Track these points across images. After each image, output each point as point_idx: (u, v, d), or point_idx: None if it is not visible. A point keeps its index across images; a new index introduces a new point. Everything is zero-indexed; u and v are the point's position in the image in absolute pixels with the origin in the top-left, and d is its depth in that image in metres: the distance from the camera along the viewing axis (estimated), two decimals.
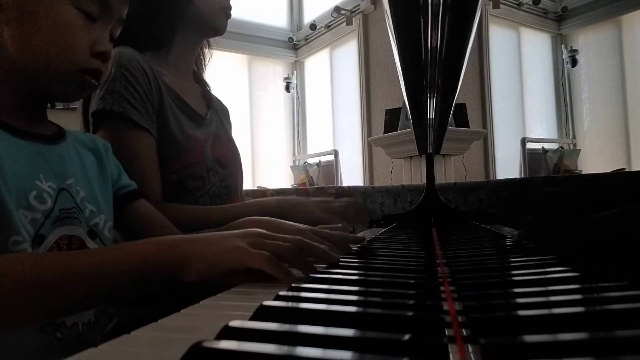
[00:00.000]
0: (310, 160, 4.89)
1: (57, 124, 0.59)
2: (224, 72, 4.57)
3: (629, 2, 3.93)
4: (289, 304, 0.30)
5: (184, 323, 0.28)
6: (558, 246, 0.45)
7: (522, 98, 4.42)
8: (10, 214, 0.45)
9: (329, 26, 4.77)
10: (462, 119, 2.89)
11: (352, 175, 4.42)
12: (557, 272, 0.37)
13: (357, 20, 4.34)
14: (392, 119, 3.11)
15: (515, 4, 4.28)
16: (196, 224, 0.73)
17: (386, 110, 3.27)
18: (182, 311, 0.31)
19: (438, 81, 0.83)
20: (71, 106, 3.55)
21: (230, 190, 0.89)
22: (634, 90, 4.05)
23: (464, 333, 0.24)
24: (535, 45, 4.60)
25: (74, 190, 0.54)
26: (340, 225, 0.61)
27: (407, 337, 0.21)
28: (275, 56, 5.25)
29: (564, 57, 4.53)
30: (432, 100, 0.90)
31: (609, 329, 0.21)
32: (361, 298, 0.33)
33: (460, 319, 0.26)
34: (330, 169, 4.51)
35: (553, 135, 4.61)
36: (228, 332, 0.23)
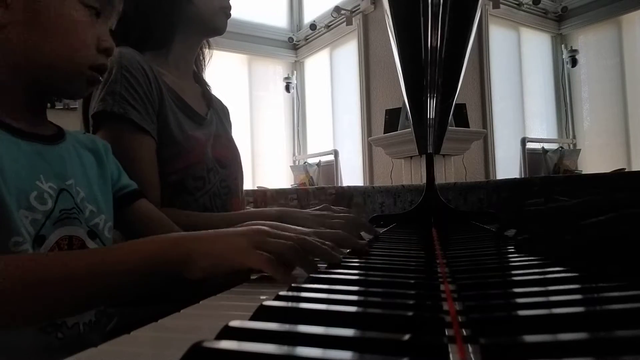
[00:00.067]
0: (310, 160, 4.89)
1: (56, 124, 0.59)
2: (224, 72, 4.57)
3: (629, 2, 3.93)
4: (289, 304, 0.30)
5: (184, 323, 0.28)
6: (557, 247, 0.45)
7: (522, 98, 4.42)
8: (11, 215, 0.45)
9: (329, 26, 4.77)
10: (462, 119, 2.89)
11: (352, 175, 4.42)
12: (557, 272, 0.37)
13: (357, 20, 4.34)
14: (392, 119, 3.11)
15: (515, 4, 4.29)
16: (197, 229, 0.73)
17: (386, 110, 3.27)
18: (182, 311, 0.31)
19: (438, 81, 0.83)
20: (71, 106, 3.55)
21: (231, 190, 0.89)
22: (634, 90, 4.05)
23: (464, 333, 0.24)
24: (535, 45, 4.60)
25: (74, 191, 0.54)
26: (340, 231, 0.60)
27: (407, 337, 0.21)
28: (275, 56, 5.25)
29: (564, 57, 4.53)
30: (432, 100, 0.90)
31: (609, 329, 0.21)
32: (361, 298, 0.33)
33: (460, 319, 0.26)
34: (330, 169, 4.51)
35: (553, 135, 4.62)
36: (228, 332, 0.23)
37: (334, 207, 0.88)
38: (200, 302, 0.33)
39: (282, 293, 0.33)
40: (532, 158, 3.97)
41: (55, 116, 0.58)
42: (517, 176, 3.84)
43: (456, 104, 1.14)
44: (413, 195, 1.65)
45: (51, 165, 0.53)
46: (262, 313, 0.27)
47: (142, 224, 0.66)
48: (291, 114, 5.38)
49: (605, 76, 4.29)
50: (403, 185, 1.75)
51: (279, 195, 1.75)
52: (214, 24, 0.88)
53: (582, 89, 4.51)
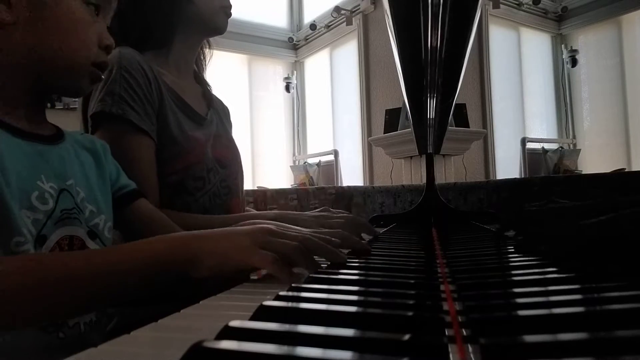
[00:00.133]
0: (310, 160, 4.89)
1: (55, 124, 0.59)
2: (224, 72, 4.57)
3: (629, 2, 3.93)
4: (289, 304, 0.30)
5: (184, 323, 0.28)
6: (558, 247, 0.45)
7: (522, 98, 4.42)
8: (13, 215, 0.45)
9: (329, 26, 4.77)
10: (462, 119, 2.89)
11: (352, 175, 4.42)
12: (557, 272, 0.37)
13: (357, 20, 4.34)
14: (392, 119, 3.11)
15: (515, 4, 4.29)
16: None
17: (386, 110, 3.27)
18: (182, 311, 0.31)
19: (438, 81, 0.83)
20: (71, 106, 3.55)
21: (231, 190, 0.89)
22: (634, 90, 4.06)
23: (464, 333, 0.24)
24: (535, 45, 4.61)
25: (74, 191, 0.54)
26: (340, 230, 0.61)
27: (407, 337, 0.21)
28: (275, 56, 5.25)
29: (564, 57, 4.53)
30: (432, 100, 0.90)
31: (609, 329, 0.21)
32: (361, 298, 0.33)
33: (460, 319, 0.26)
34: (330, 169, 4.51)
35: (553, 135, 4.62)
36: (228, 332, 0.23)
37: (333, 210, 0.88)
38: (200, 302, 0.33)
39: (282, 293, 0.33)
40: (532, 158, 3.97)
41: (55, 116, 0.59)
42: (517, 176, 3.84)
43: (456, 104, 1.14)
44: (413, 195, 1.65)
45: (51, 165, 0.53)
46: (262, 313, 0.27)
47: (141, 224, 0.66)
48: (291, 114, 5.38)
49: (605, 76, 4.29)
50: (403, 185, 1.75)
51: (279, 195, 1.75)
52: (214, 23, 0.88)
53: (582, 89, 4.52)
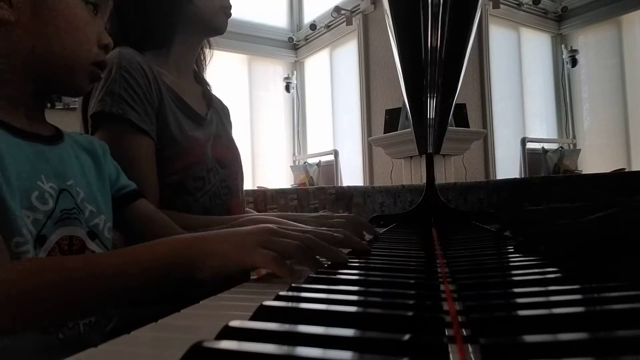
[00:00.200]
0: (310, 160, 4.89)
1: (54, 125, 0.59)
2: (224, 72, 4.57)
3: (629, 2, 3.93)
4: (289, 304, 0.30)
5: (184, 323, 0.28)
6: (558, 246, 0.45)
7: (522, 98, 4.42)
8: (13, 216, 0.45)
9: (329, 26, 4.77)
10: (462, 119, 2.89)
11: (352, 175, 4.42)
12: (557, 272, 0.37)
13: (357, 20, 4.34)
14: (392, 119, 3.11)
15: (515, 4, 4.29)
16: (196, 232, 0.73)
17: (386, 110, 3.27)
18: (182, 311, 0.31)
19: (438, 81, 0.83)
20: (71, 106, 3.55)
21: (231, 190, 0.89)
22: (634, 90, 4.06)
23: (464, 333, 0.24)
24: (535, 45, 4.60)
25: (74, 191, 0.54)
26: (340, 229, 0.61)
27: (407, 337, 0.21)
28: (275, 56, 5.25)
29: (564, 57, 4.53)
30: (432, 100, 0.90)
31: (609, 329, 0.21)
32: (361, 298, 0.33)
33: (460, 319, 0.26)
34: (330, 169, 4.51)
35: (553, 135, 4.62)
36: (228, 332, 0.23)
37: (334, 215, 0.88)
38: (200, 302, 0.33)
39: (282, 293, 0.33)
40: (532, 158, 3.97)
41: (55, 116, 0.59)
42: (517, 176, 3.85)
43: (456, 104, 1.14)
44: (413, 195, 1.65)
45: (51, 165, 0.53)
46: (262, 313, 0.27)
47: (141, 224, 0.66)
48: (291, 114, 5.38)
49: (605, 76, 4.29)
50: (403, 185, 1.75)
51: (279, 195, 1.75)
52: (214, 23, 0.88)
53: (582, 89, 4.52)
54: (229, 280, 0.43)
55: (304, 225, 0.63)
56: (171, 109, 0.81)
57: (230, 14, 0.90)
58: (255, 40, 4.98)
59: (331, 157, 4.52)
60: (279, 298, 0.31)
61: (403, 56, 0.83)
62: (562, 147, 4.26)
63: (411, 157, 2.89)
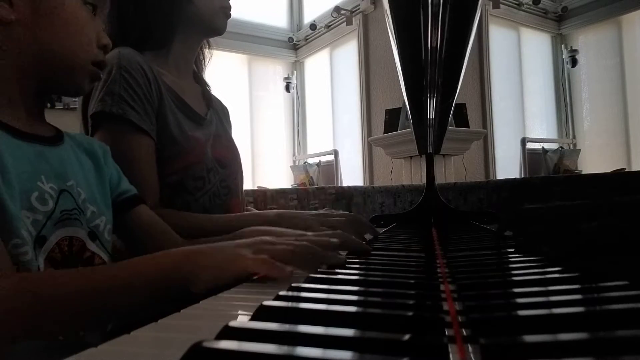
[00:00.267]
0: (310, 160, 4.89)
1: (54, 125, 0.59)
2: (224, 72, 4.57)
3: (629, 2, 3.93)
4: (289, 304, 0.30)
5: (184, 323, 0.28)
6: (558, 247, 0.45)
7: (522, 98, 4.42)
8: (11, 217, 0.45)
9: (329, 26, 4.77)
10: (462, 119, 2.89)
11: (352, 175, 4.42)
12: (557, 272, 0.37)
13: (357, 20, 4.34)
14: (392, 119, 3.11)
15: (515, 4, 4.29)
16: (196, 231, 0.73)
17: (386, 110, 3.27)
18: (182, 311, 0.31)
19: (438, 81, 0.83)
20: (71, 106, 3.55)
21: (230, 190, 0.89)
22: (634, 90, 4.05)
23: (464, 333, 0.24)
24: (535, 45, 4.60)
25: (75, 192, 0.54)
26: (340, 232, 0.61)
27: (407, 337, 0.21)
28: (275, 56, 5.25)
29: (564, 57, 4.53)
30: (432, 100, 0.90)
31: (609, 329, 0.21)
32: (361, 298, 0.33)
33: (460, 319, 0.26)
34: (330, 169, 4.51)
35: (553, 135, 4.62)
36: (228, 332, 0.23)
37: (335, 212, 0.88)
38: (200, 302, 0.33)
39: (282, 293, 0.33)
40: (532, 158, 3.97)
41: (55, 116, 0.59)
42: (517, 176, 3.85)
43: (456, 104, 1.14)
44: (413, 195, 1.65)
45: (52, 166, 0.53)
46: (262, 313, 0.27)
47: (141, 230, 0.66)
48: (291, 114, 5.38)
49: (605, 76, 4.28)
50: (403, 185, 1.75)
51: (279, 195, 1.75)
52: (214, 24, 0.88)
53: (582, 89, 4.51)
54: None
55: (300, 231, 0.63)
56: (171, 109, 0.81)
57: (230, 15, 0.90)
58: (255, 40, 4.98)
59: (331, 157, 4.52)
60: (279, 298, 0.31)
61: (403, 56, 0.83)
62: (562, 147, 4.26)
63: (411, 157, 2.89)
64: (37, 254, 0.47)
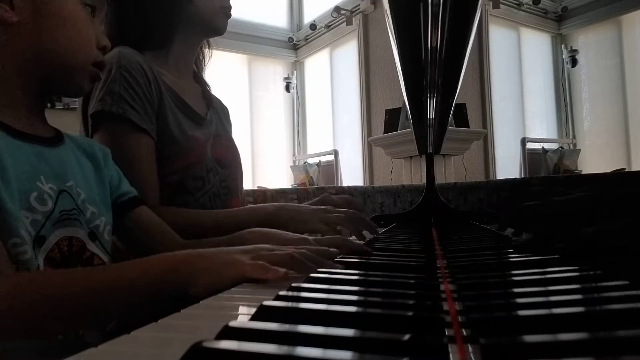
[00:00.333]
0: (310, 160, 4.89)
1: (54, 127, 0.59)
2: (224, 72, 4.57)
3: (629, 2, 3.93)
4: (289, 304, 0.30)
5: (184, 323, 0.28)
6: (556, 246, 0.45)
7: (522, 98, 4.42)
8: (10, 217, 0.45)
9: (329, 26, 4.77)
10: (462, 119, 2.89)
11: (352, 175, 4.42)
12: (557, 271, 0.37)
13: (357, 20, 4.34)
14: (392, 119, 3.11)
15: (515, 4, 4.29)
16: (197, 228, 0.73)
17: (386, 110, 3.27)
18: (182, 311, 0.31)
19: (438, 81, 0.83)
20: (71, 106, 3.55)
21: (230, 190, 0.89)
22: (634, 90, 4.05)
23: (464, 333, 0.24)
24: (535, 45, 4.60)
25: (74, 192, 0.54)
26: (339, 237, 0.61)
27: (407, 337, 0.21)
28: (275, 56, 5.25)
29: (564, 57, 4.53)
30: (432, 100, 0.90)
31: (609, 329, 0.21)
32: (361, 298, 0.33)
33: (460, 319, 0.26)
34: (330, 169, 4.51)
35: (553, 135, 4.62)
36: (228, 332, 0.23)
37: (334, 197, 0.88)
38: (200, 302, 0.33)
39: (282, 293, 0.33)
40: (532, 158, 3.97)
41: (55, 116, 0.59)
42: (517, 176, 3.84)
43: (456, 104, 1.14)
44: (413, 195, 1.65)
45: (51, 166, 0.53)
46: (262, 313, 0.27)
47: (141, 231, 0.66)
48: (291, 114, 5.38)
49: (605, 76, 4.28)
50: (403, 185, 1.75)
51: (279, 195, 1.75)
52: (214, 24, 0.88)
53: (582, 89, 4.51)
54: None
55: (300, 235, 0.63)
56: (171, 109, 0.81)
57: (230, 15, 0.90)
58: (255, 40, 4.97)
59: (331, 157, 4.52)
60: (279, 298, 0.31)
61: (403, 56, 0.83)
62: (562, 147, 4.26)
63: (411, 157, 2.89)
64: (37, 253, 0.47)
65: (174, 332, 0.26)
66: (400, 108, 3.06)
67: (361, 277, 0.43)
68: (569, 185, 1.43)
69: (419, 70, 0.82)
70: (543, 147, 4.11)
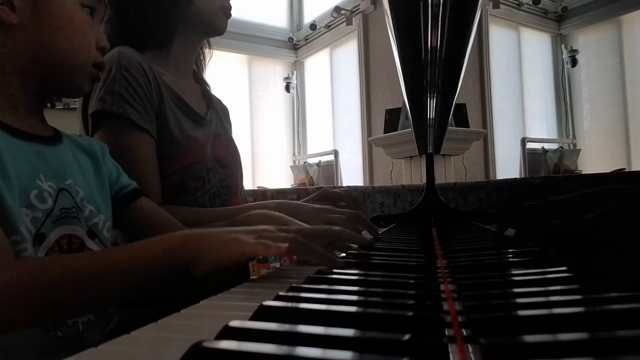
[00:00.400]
0: (310, 160, 4.89)
1: (53, 126, 0.59)
2: (224, 72, 4.57)
3: (629, 2, 3.93)
4: (289, 304, 0.30)
5: (184, 323, 0.28)
6: (556, 246, 0.45)
7: (522, 98, 4.42)
8: (10, 214, 0.45)
9: (329, 26, 4.77)
10: (462, 119, 2.89)
11: (352, 175, 4.42)
12: (557, 272, 0.37)
13: (357, 20, 4.34)
14: (392, 119, 3.11)
15: (515, 4, 4.29)
16: (197, 226, 0.73)
17: (386, 110, 3.27)
18: (182, 311, 0.31)
19: (438, 81, 0.83)
20: (71, 106, 3.55)
21: (230, 190, 0.89)
22: (634, 90, 4.05)
23: (464, 333, 0.24)
24: (535, 45, 4.60)
25: (73, 190, 0.55)
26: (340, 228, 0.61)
27: (407, 337, 0.21)
28: (275, 56, 5.25)
29: (564, 57, 4.53)
30: (432, 100, 0.90)
31: (609, 329, 0.21)
32: (361, 298, 0.33)
33: (460, 319, 0.26)
34: (330, 169, 4.51)
35: (553, 135, 4.62)
36: (228, 332, 0.23)
37: (336, 190, 0.88)
38: (200, 302, 0.33)
39: (282, 293, 0.33)
40: (532, 158, 3.97)
41: (55, 116, 0.59)
42: (517, 176, 3.85)
43: (456, 104, 1.14)
44: (413, 195, 1.65)
45: (50, 165, 0.53)
46: (262, 313, 0.27)
47: (143, 223, 0.66)
48: (291, 114, 5.38)
49: (605, 76, 4.28)
50: (403, 185, 1.75)
51: (279, 195, 1.75)
52: (214, 24, 0.88)
53: (582, 89, 4.51)
54: (229, 280, 0.43)
55: (302, 223, 0.63)
56: (171, 109, 0.81)
57: (230, 15, 0.90)
58: (255, 40, 4.97)
59: (331, 157, 4.52)
60: (279, 298, 0.31)
61: (403, 56, 0.83)
62: (562, 147, 4.26)
63: (411, 157, 2.89)
64: (37, 250, 0.48)
65: (174, 332, 0.26)
66: (400, 108, 3.06)
67: (361, 277, 0.43)
68: (569, 185, 1.43)
69: (419, 70, 0.82)
70: (543, 147, 4.11)
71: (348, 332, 0.22)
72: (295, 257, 0.47)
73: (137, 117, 0.74)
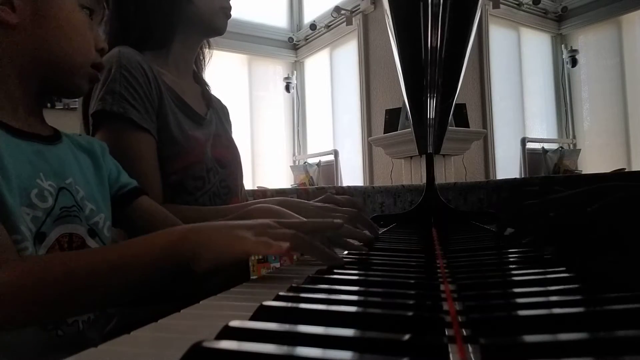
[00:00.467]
0: (310, 160, 4.89)
1: (52, 126, 0.60)
2: (224, 72, 4.57)
3: (629, 2, 3.93)
4: (289, 304, 0.30)
5: (184, 323, 0.28)
6: (556, 245, 0.45)
7: (522, 98, 4.42)
8: (11, 213, 0.45)
9: (329, 26, 4.77)
10: (462, 119, 2.90)
11: (352, 175, 4.42)
12: (557, 272, 0.37)
13: (357, 20, 4.34)
14: (392, 119, 3.11)
15: (515, 4, 4.29)
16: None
17: (386, 110, 3.27)
18: (182, 311, 0.31)
19: (438, 81, 0.83)
20: (71, 106, 3.55)
21: (230, 190, 0.89)
22: (634, 90, 4.05)
23: (464, 333, 0.24)
24: (535, 45, 4.60)
25: (73, 189, 0.55)
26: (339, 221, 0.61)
27: (407, 337, 0.21)
28: (275, 56, 5.25)
29: (564, 57, 4.53)
30: (432, 100, 0.90)
31: (609, 329, 0.21)
32: (361, 298, 0.33)
33: (460, 319, 0.26)
34: (330, 169, 4.51)
35: (553, 135, 4.62)
36: (228, 332, 0.23)
37: (337, 197, 0.88)
38: (200, 302, 0.33)
39: (282, 293, 0.33)
40: (532, 158, 3.98)
41: (55, 116, 0.60)
42: (517, 176, 3.85)
43: (456, 104, 1.14)
44: (413, 195, 1.65)
45: (50, 164, 0.53)
46: (262, 313, 0.27)
47: (144, 221, 0.66)
48: (291, 114, 5.38)
49: (605, 76, 4.29)
50: (403, 185, 1.75)
51: (278, 195, 1.75)
52: (214, 24, 0.88)
53: (582, 89, 4.51)
54: (229, 280, 0.43)
55: (302, 218, 0.63)
56: (171, 109, 0.81)
57: (230, 15, 0.90)
58: (255, 40, 4.98)
59: (331, 157, 4.52)
60: (279, 298, 0.31)
61: (403, 56, 0.83)
62: (562, 147, 4.26)
63: (411, 157, 2.89)
64: (38, 249, 0.48)
65: (173, 332, 0.26)
66: (400, 108, 3.06)
67: (361, 277, 0.43)
68: (569, 185, 1.43)
69: (419, 70, 0.82)
70: (543, 147, 4.11)
71: (348, 332, 0.22)
72: (295, 257, 0.47)
73: (138, 117, 0.74)
